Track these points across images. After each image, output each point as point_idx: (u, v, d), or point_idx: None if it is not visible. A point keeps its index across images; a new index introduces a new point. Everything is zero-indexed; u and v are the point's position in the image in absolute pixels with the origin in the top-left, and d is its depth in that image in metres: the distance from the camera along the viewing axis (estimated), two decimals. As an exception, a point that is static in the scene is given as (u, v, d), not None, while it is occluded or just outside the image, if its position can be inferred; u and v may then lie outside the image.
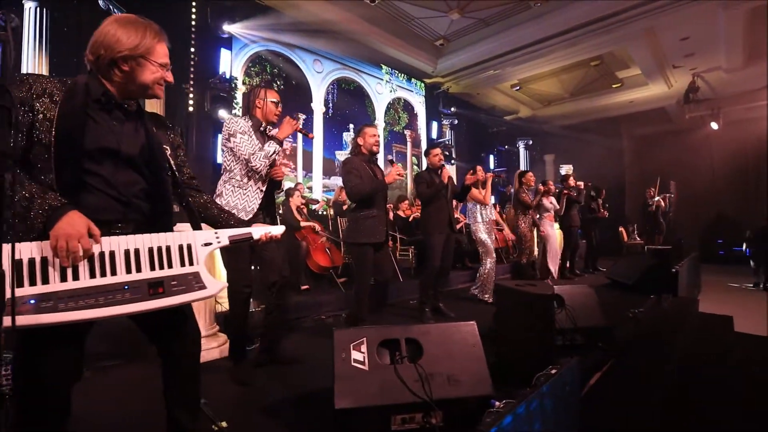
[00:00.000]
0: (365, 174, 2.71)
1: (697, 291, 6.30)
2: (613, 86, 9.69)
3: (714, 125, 8.82)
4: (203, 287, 1.06)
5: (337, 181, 6.85)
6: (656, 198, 7.89)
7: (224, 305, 3.01)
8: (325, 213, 6.04)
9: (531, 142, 11.48)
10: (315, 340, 2.98)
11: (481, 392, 1.59)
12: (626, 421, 1.87)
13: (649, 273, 4.69)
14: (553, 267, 4.97)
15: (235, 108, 5.52)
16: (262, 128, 2.22)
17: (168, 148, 1.24)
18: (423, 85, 9.03)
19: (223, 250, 2.13)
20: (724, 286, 7.04)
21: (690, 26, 6.73)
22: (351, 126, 7.27)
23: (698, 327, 4.32)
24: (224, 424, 1.64)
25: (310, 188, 6.53)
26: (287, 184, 5.86)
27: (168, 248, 1.06)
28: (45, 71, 4.30)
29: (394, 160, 3.12)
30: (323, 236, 4.29)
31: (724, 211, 10.97)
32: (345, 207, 5.36)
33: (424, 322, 3.31)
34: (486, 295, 3.93)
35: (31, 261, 0.87)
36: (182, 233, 1.13)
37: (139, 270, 1.00)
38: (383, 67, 8.01)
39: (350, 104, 7.37)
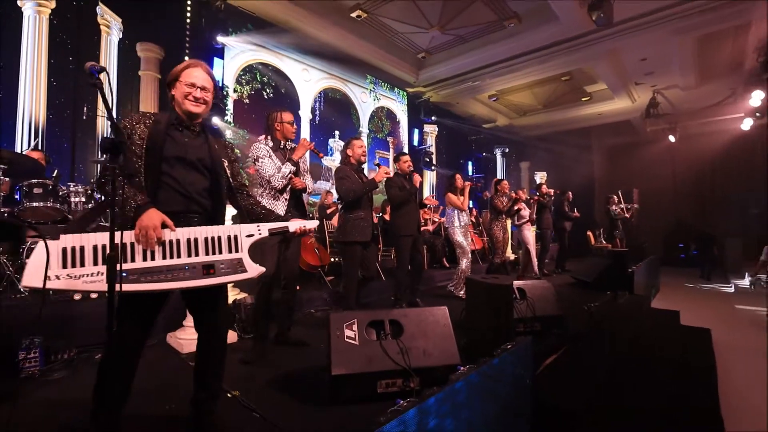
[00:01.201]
0: (355, 179, 3.07)
1: (655, 290, 6.91)
2: (583, 99, 10.37)
3: (672, 138, 9.58)
4: (245, 270, 1.40)
5: (323, 185, 7.16)
6: (621, 205, 8.51)
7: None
8: (311, 216, 6.34)
9: (507, 150, 12.07)
10: (306, 330, 3.28)
11: (450, 362, 1.96)
12: (573, 397, 2.26)
13: (607, 272, 5.19)
14: (535, 267, 5.47)
15: (227, 114, 5.77)
16: (282, 146, 2.62)
17: (226, 160, 1.63)
18: (405, 94, 9.45)
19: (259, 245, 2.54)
20: (681, 286, 7.73)
21: (648, 48, 7.40)
22: (336, 133, 7.60)
23: (647, 320, 4.86)
24: (236, 392, 1.95)
25: (297, 192, 6.81)
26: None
27: (219, 238, 1.39)
28: (44, 76, 4.47)
29: (380, 163, 3.50)
30: (312, 237, 4.60)
31: (684, 216, 11.83)
32: (329, 211, 5.68)
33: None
34: (461, 292, 4.32)
35: (123, 245, 1.20)
36: (230, 226, 1.47)
37: (197, 254, 1.33)
38: (368, 77, 8.39)
39: (336, 112, 7.70)
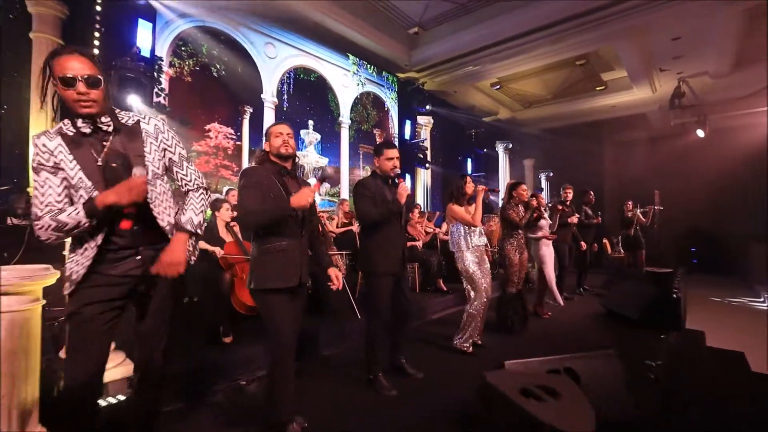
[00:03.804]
0: (272, 187, 1.84)
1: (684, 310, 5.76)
2: (597, 89, 9.18)
3: (700, 133, 8.40)
4: None
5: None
6: (636, 210, 7.29)
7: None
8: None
9: (510, 146, 10.86)
10: (217, 429, 2.04)
11: None
12: None
13: (652, 305, 4.00)
14: (557, 295, 4.25)
15: (159, 96, 4.43)
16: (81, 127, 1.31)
17: None
18: (395, 80, 8.14)
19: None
20: (705, 300, 6.58)
21: (683, 25, 6.20)
22: (310, 123, 6.28)
23: (714, 371, 3.62)
24: None
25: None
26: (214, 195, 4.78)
27: None
28: None
29: (402, 175, 2.28)
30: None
31: (699, 219, 10.78)
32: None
33: (380, 393, 2.42)
34: (466, 344, 3.05)
35: None
36: None
37: None
38: (350, 56, 7.06)
39: (310, 97, 6.37)
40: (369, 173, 2.67)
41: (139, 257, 1.37)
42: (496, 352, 3.16)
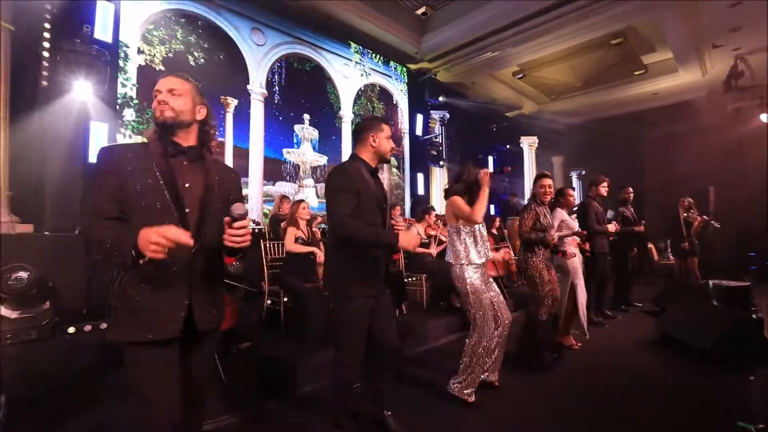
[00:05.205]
0: (139, 183, 1.14)
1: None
2: (636, 74, 8.12)
3: (765, 117, 7.18)
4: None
5: (283, 187, 5.25)
6: (694, 214, 6.20)
7: None
8: (261, 230, 4.44)
9: (537, 142, 9.89)
10: None
11: None
12: None
13: (729, 331, 3.04)
14: (584, 316, 3.32)
15: (126, 85, 3.92)
16: None
17: None
18: (405, 70, 7.43)
19: None
20: None
21: (746, -14, 5.18)
22: (306, 117, 5.65)
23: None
24: None
25: (245, 197, 4.91)
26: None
27: None
28: None
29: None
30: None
31: (756, 220, 9.40)
32: (284, 224, 3.70)
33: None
34: (467, 390, 2.23)
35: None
36: None
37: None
38: (352, 44, 6.41)
39: (305, 89, 5.74)
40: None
41: None
42: (515, 399, 2.35)
